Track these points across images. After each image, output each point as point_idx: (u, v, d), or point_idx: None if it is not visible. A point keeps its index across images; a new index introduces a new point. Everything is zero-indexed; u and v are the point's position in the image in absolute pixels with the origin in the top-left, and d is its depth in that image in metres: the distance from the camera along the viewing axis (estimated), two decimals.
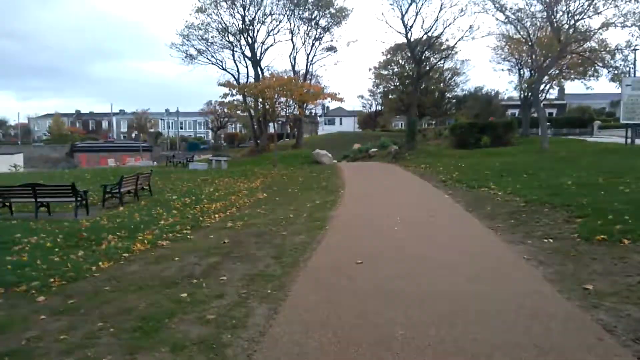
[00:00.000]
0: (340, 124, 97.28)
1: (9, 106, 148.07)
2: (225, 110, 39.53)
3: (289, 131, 73.70)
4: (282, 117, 39.78)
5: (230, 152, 46.53)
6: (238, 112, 33.30)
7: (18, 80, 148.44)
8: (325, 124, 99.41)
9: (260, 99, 25.14)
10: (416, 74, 33.89)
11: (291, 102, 25.31)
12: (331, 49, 35.94)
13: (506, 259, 6.31)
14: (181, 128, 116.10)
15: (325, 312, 4.48)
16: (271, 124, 28.46)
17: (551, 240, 6.94)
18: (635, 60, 25.62)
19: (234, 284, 5.49)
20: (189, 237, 8.59)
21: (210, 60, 33.40)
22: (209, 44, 32.66)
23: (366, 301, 4.74)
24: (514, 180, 13.44)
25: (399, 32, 31.71)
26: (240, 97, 28.75)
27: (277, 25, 33.67)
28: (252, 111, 30.36)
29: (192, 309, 4.75)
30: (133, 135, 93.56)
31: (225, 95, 25.08)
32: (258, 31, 33.95)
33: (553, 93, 48.57)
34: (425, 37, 31.31)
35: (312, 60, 36.69)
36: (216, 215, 10.77)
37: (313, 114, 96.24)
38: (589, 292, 4.77)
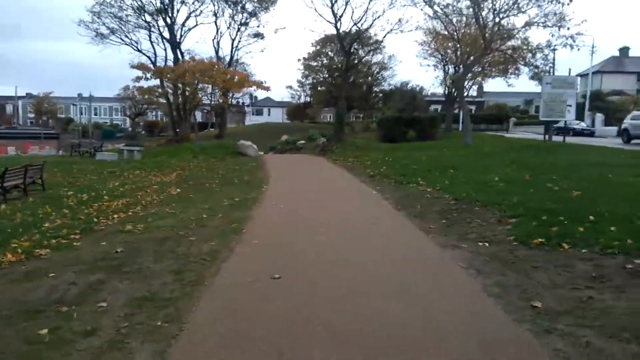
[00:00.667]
0: (269, 114, 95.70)
1: None
2: (140, 96, 36.60)
3: (214, 121, 71.17)
4: (206, 105, 37.66)
5: (149, 142, 43.53)
6: (154, 97, 30.74)
7: None
8: (253, 114, 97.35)
9: (180, 85, 23.21)
10: (345, 65, 33.39)
11: (213, 90, 23.68)
12: (258, 35, 34.38)
13: (442, 267, 5.64)
14: (95, 114, 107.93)
15: (230, 354, 3.46)
16: (193, 112, 26.62)
17: (487, 244, 6.39)
18: (554, 59, 26.85)
19: (115, 312, 4.28)
20: (75, 244, 7.13)
21: (123, 41, 30.57)
22: (122, 22, 29.84)
23: (284, 334, 3.77)
24: (441, 175, 13.14)
25: (329, 22, 30.80)
26: (157, 82, 26.44)
27: (199, 6, 31.55)
28: (170, 97, 28.05)
29: (47, 355, 3.52)
30: (40, 121, 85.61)
31: (139, 78, 22.80)
32: (178, 11, 31.62)
33: (473, 90, 50.66)
34: (354, 28, 30.85)
35: (237, 47, 34.90)
36: (115, 216, 9.28)
37: (240, 104, 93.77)
38: (539, 312, 4.15)
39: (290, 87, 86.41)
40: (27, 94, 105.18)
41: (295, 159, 24.77)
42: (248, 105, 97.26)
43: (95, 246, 6.96)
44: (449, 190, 10.53)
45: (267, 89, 24.69)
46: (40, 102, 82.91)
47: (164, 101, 33.17)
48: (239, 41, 34.57)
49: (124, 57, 65.78)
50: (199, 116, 79.21)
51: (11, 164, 14.27)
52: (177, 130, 31.22)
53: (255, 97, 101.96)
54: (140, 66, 22.50)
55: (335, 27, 31.10)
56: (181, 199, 11.49)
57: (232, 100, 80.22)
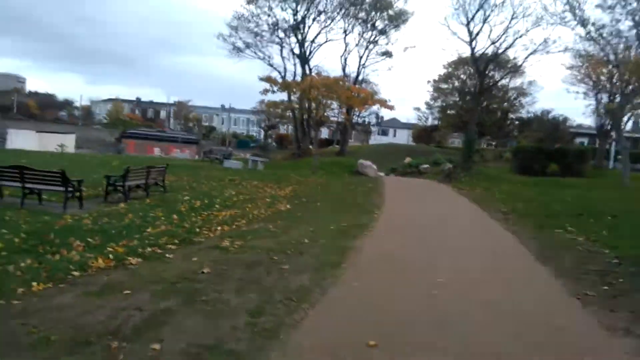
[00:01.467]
0: (394, 135, 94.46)
1: (77, 89, 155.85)
2: (267, 108, 37.97)
3: (339, 138, 72.00)
4: (332, 122, 37.75)
5: (276, 154, 45.18)
6: (278, 110, 31.37)
7: (87, 65, 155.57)
8: (378, 134, 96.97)
9: (305, 99, 23.23)
10: (478, 88, 30.95)
11: (337, 106, 23.28)
12: (386, 53, 33.45)
13: None
14: (235, 125, 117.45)
15: None
16: (315, 127, 26.57)
17: None
18: None
19: None
20: (167, 256, 6.68)
21: (257, 55, 31.98)
22: (257, 37, 31.30)
23: None
24: (596, 222, 10.70)
25: (463, 40, 28.82)
26: (284, 96, 27.01)
27: (330, 23, 31.77)
28: (295, 112, 28.43)
29: None
30: (186, 127, 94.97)
31: (266, 91, 23.38)
32: (309, 27, 32.19)
33: (630, 124, 43.75)
34: (491, 47, 28.47)
35: (364, 64, 34.38)
36: (219, 228, 8.84)
37: (366, 123, 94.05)
38: None
39: (418, 109, 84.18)
40: (175, 102, 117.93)
41: (416, 183, 23.19)
42: (374, 125, 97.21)
43: (185, 261, 6.42)
44: (609, 244, 8.32)
45: (391, 107, 23.66)
46: (180, 109, 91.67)
47: (289, 113, 33.93)
48: (367, 59, 34.10)
49: (260, 73, 70.05)
50: (325, 133, 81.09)
51: (145, 164, 15.06)
52: (300, 144, 31.65)
53: (382, 117, 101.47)
54: (268, 79, 23.14)
55: (470, 46, 29.06)
56: (288, 216, 10.82)
57: (358, 119, 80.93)
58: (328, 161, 28.24)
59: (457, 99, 69.64)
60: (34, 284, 5.04)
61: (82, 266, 5.83)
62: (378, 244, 8.24)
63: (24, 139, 42.33)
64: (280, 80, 27.05)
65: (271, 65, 31.81)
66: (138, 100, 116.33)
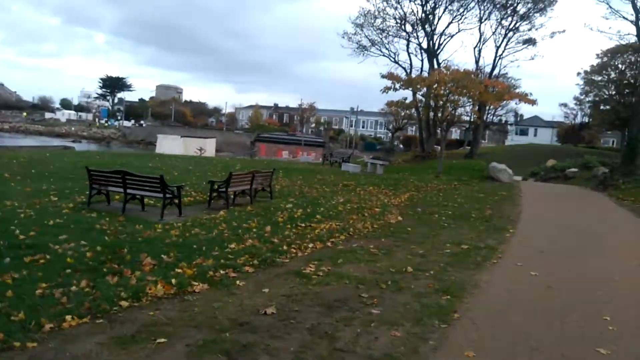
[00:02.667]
0: (535, 135, 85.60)
1: (228, 97, 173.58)
2: (388, 108, 36.04)
3: (471, 138, 67.26)
4: (463, 121, 34.58)
5: (400, 156, 43.17)
6: (404, 111, 29.27)
7: (237, 75, 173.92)
8: (517, 133, 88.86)
9: (431, 97, 21.05)
10: None
11: (469, 103, 20.70)
12: (529, 41, 29.26)
13: None
14: (363, 127, 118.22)
15: None
16: (442, 127, 24.12)
17: None
18: None
19: None
20: (238, 283, 5.59)
21: (382, 52, 30.34)
22: (383, 34, 29.67)
23: None
24: None
25: (626, 19, 23.99)
26: (409, 94, 24.86)
27: (463, 12, 28.80)
28: (420, 111, 26.16)
29: None
30: (316, 130, 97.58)
31: (387, 89, 21.47)
32: (439, 18, 29.55)
33: None
34: None
35: (501, 54, 30.56)
36: (310, 245, 7.60)
37: (503, 122, 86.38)
38: None
39: (565, 105, 74.66)
40: (300, 105, 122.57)
41: (561, 191, 19.59)
42: (511, 124, 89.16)
43: (255, 292, 5.26)
44: None
45: (533, 102, 20.04)
46: (308, 113, 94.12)
47: (413, 112, 31.66)
48: (505, 49, 30.32)
49: (385, 71, 68.21)
50: (456, 133, 76.51)
51: (270, 167, 14.58)
52: (424, 146, 29.29)
53: (521, 115, 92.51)
54: (390, 76, 21.16)
55: (637, 25, 24.00)
56: (396, 231, 9.17)
57: (493, 117, 74.47)
58: (455, 164, 25.61)
59: (614, 92, 60.23)
60: (68, 317, 4.26)
61: (136, 293, 4.98)
62: (509, 280, 6.21)
63: (170, 144, 46.53)
64: (405, 77, 25.05)
65: (396, 62, 30.03)
66: (275, 106, 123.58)
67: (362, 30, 29.78)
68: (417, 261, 6.71)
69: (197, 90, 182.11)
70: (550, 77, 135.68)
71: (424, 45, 29.09)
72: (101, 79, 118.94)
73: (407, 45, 30.43)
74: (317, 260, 6.62)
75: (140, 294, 5.01)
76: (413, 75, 26.20)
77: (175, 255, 6.51)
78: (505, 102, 23.65)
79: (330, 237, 8.34)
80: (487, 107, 35.44)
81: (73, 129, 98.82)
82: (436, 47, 28.98)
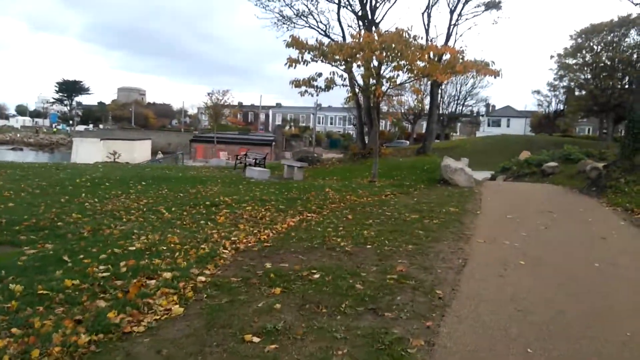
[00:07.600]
0: (508, 125, 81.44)
1: (204, 98, 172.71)
2: (294, 87, 30.11)
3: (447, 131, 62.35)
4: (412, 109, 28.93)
5: (346, 155, 37.57)
6: (308, 91, 22.80)
7: (212, 77, 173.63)
8: (489, 125, 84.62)
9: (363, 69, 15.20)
10: None
11: (408, 78, 15.07)
12: (492, 4, 23.57)
13: None
14: (331, 124, 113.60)
15: None
16: (374, 113, 18.40)
17: None
18: None
19: None
20: None
21: (309, 23, 24.39)
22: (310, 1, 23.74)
23: None
24: None
25: None
26: (336, 70, 18.08)
27: None
28: (359, 95, 20.11)
29: None
30: (269, 127, 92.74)
31: (293, 61, 15.25)
32: None
33: None
34: None
35: (456, 21, 24.71)
36: None
37: (474, 113, 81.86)
38: None
39: (538, 92, 70.31)
40: (277, 104, 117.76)
41: (538, 196, 14.05)
42: (483, 115, 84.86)
43: None
44: None
45: (497, 73, 14.44)
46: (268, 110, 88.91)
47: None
48: (460, 13, 24.52)
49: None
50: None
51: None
52: (366, 141, 23.58)
53: (493, 105, 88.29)
54: (295, 42, 14.86)
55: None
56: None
57: (462, 108, 69.56)
58: (402, 163, 20.01)
59: (589, 76, 55.99)
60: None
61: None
62: None
63: (88, 149, 39.90)
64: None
65: (327, 36, 24.06)
66: (240, 105, 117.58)
67: None
68: None
69: (173, 93, 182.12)
70: (522, 64, 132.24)
71: (358, 10, 23.09)
72: (57, 83, 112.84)
73: (338, 13, 24.26)
74: None
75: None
76: None
77: None
78: (459, 73, 17.88)
79: None
80: (440, 87, 30.10)
81: (19, 135, 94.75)
82: (375, 15, 23.11)
